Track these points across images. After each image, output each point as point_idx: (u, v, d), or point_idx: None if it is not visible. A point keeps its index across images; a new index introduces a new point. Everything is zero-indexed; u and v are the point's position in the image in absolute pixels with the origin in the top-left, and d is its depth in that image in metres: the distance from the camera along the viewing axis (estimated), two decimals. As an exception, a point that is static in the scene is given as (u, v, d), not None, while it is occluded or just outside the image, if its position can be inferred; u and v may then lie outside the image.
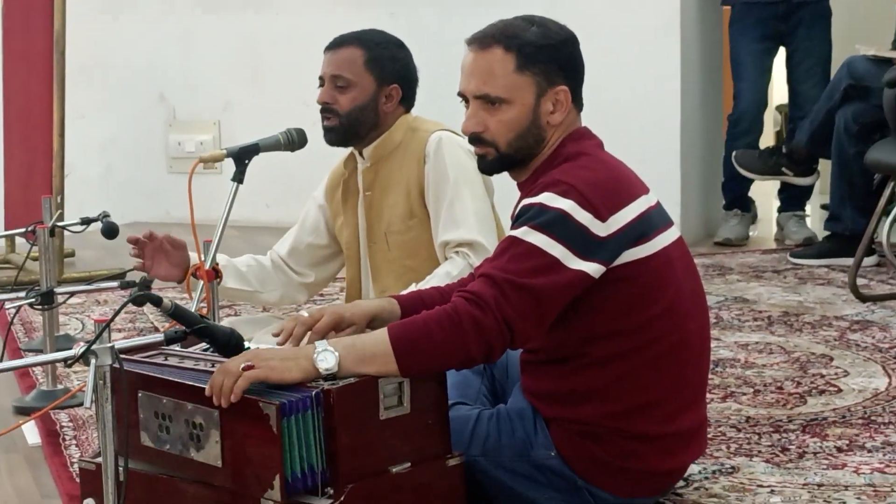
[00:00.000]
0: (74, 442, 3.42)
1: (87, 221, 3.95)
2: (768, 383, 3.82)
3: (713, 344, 3.50)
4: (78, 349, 2.53)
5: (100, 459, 2.57)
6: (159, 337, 2.75)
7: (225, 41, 6.75)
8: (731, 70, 6.03)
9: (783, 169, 5.85)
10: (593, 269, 2.63)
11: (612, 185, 2.70)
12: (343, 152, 3.71)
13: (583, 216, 2.62)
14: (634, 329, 2.70)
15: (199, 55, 6.80)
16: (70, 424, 3.54)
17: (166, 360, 2.76)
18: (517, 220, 2.68)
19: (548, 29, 2.79)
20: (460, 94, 2.81)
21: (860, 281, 4.89)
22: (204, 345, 2.76)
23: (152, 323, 4.70)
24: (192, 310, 2.88)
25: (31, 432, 3.50)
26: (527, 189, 2.76)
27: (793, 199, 6.07)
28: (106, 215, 3.90)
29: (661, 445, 2.76)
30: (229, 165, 3.47)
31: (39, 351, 4.03)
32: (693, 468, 3.04)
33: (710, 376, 3.07)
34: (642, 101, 5.90)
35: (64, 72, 5.35)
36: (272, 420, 2.46)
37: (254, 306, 4.31)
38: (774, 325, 4.51)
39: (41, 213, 3.98)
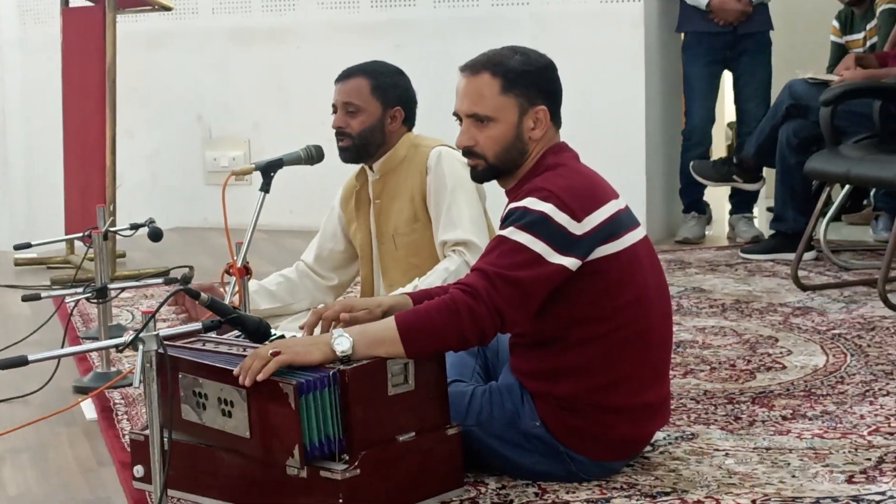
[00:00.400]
0: (126, 417, 3.41)
1: (135, 227, 3.94)
2: (722, 361, 3.81)
3: (675, 328, 3.49)
4: (128, 337, 2.52)
5: (147, 431, 2.56)
6: (198, 326, 2.74)
7: (254, 70, 6.73)
8: (684, 91, 6.02)
9: (734, 177, 5.83)
10: (571, 262, 2.63)
11: (586, 191, 2.70)
12: (355, 166, 3.70)
13: (561, 217, 2.62)
14: (607, 315, 2.70)
15: (231, 82, 6.79)
16: (122, 402, 3.53)
17: (204, 345, 2.76)
18: (505, 222, 2.68)
19: (529, 57, 2.79)
20: (455, 114, 2.82)
21: (801, 273, 4.88)
22: (236, 332, 2.75)
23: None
24: (226, 302, 2.87)
25: (88, 409, 3.49)
26: (513, 195, 2.76)
27: (742, 203, 6.05)
28: (152, 221, 3.89)
29: (631, 416, 2.76)
30: (257, 178, 3.46)
31: (95, 338, 4.01)
32: (658, 435, 3.03)
33: (672, 356, 3.07)
34: (612, 119, 5.89)
35: (115, 97, 5.34)
36: (290, 398, 2.47)
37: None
38: (727, 311, 4.50)
39: (96, 220, 3.97)
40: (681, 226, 6.11)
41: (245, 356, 2.56)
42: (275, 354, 2.51)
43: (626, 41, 5.90)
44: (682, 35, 6.00)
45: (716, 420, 3.23)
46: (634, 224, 2.78)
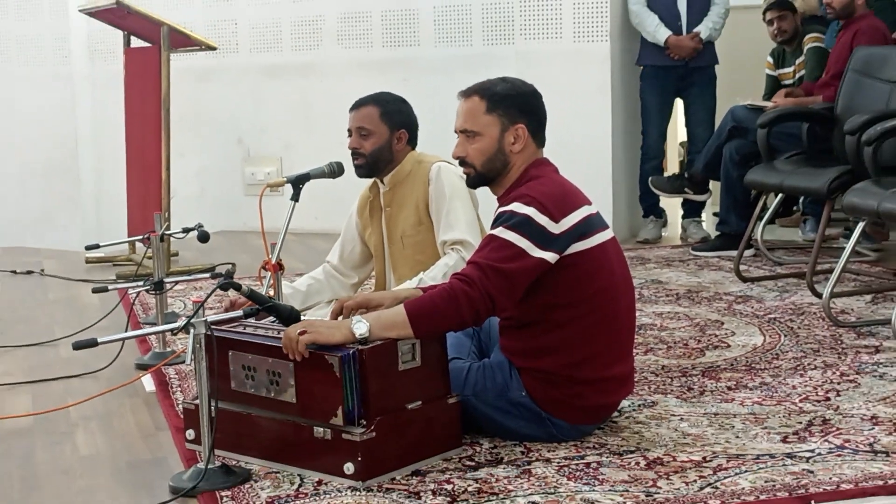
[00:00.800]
0: (179, 389, 3.40)
1: (186, 230, 3.94)
2: (677, 341, 3.80)
3: (637, 313, 3.49)
4: (181, 322, 2.52)
5: (198, 401, 2.55)
6: (239, 313, 2.74)
7: (285, 99, 6.71)
8: (641, 115, 6.00)
9: (685, 189, 5.81)
10: (550, 256, 2.64)
11: (562, 197, 2.71)
12: (369, 180, 3.69)
13: (542, 219, 2.63)
14: (580, 301, 2.69)
15: (265, 109, 6.77)
16: (176, 376, 3.52)
17: (245, 329, 2.75)
18: (495, 223, 2.69)
19: (513, 84, 2.81)
20: (455, 131, 2.84)
21: (742, 267, 4.87)
22: (271, 318, 2.75)
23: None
24: (263, 293, 2.87)
25: (147, 382, 3.48)
26: (502, 201, 2.77)
27: (692, 209, 6.04)
28: (200, 226, 3.88)
29: (601, 386, 2.75)
30: (289, 189, 3.46)
31: (153, 323, 4.00)
32: (624, 403, 3.02)
33: (635, 337, 3.06)
34: (585, 139, 5.86)
35: (169, 122, 5.32)
36: (336, 368, 2.47)
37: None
38: (681, 299, 4.49)
39: (154, 225, 3.96)
40: (641, 228, 6.09)
41: (280, 338, 2.56)
42: (301, 334, 2.51)
43: (595, 74, 5.89)
44: (642, 67, 5.98)
45: (672, 390, 3.22)
46: (603, 226, 2.78)
